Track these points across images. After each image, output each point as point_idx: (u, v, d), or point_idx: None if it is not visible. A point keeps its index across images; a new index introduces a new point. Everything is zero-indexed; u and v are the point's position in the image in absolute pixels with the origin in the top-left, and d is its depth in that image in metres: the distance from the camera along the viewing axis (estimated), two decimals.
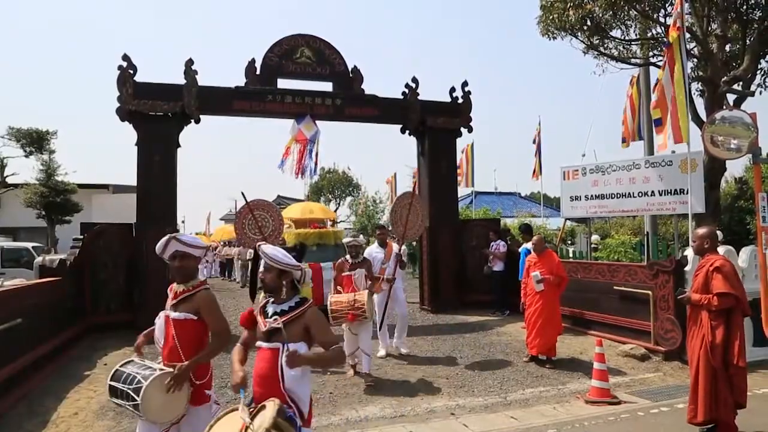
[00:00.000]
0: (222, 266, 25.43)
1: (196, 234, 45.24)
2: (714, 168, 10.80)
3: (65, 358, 7.52)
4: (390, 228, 9.62)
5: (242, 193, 8.32)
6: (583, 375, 6.92)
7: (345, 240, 7.42)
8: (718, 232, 12.89)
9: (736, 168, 20.74)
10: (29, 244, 17.18)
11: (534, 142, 15.46)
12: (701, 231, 5.13)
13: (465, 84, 11.94)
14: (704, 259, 4.96)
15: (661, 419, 5.53)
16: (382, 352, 7.91)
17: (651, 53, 13.54)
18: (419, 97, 11.51)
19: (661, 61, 12.38)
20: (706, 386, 4.68)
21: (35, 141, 24.26)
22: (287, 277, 3.19)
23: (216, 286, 20.17)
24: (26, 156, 24.53)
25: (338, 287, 6.94)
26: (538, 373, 7.12)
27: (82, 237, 9.55)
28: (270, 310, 3.17)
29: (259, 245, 3.36)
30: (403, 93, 11.53)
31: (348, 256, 7.12)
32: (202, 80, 10.14)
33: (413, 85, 11.50)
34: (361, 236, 9.34)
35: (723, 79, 11.36)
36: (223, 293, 17.16)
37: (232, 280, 22.28)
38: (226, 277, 24.37)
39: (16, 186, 24.53)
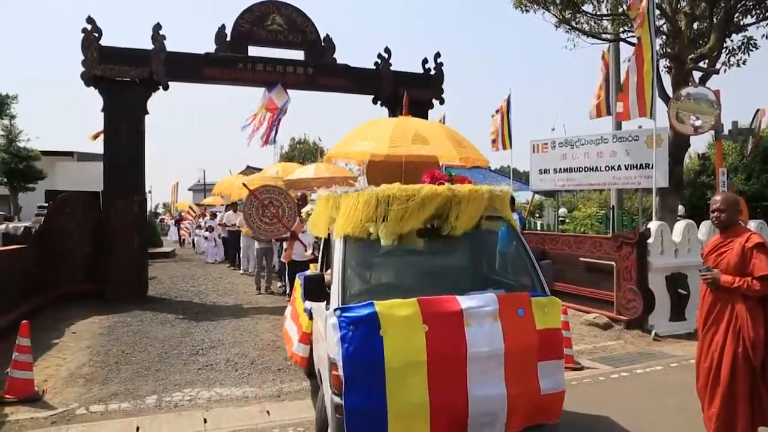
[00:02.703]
0: (225, 243, 16.77)
1: (163, 204, 43.60)
2: (678, 144, 11.03)
3: (31, 327, 7.41)
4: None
5: (244, 184, 8.07)
6: None
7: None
8: (680, 207, 13.40)
9: (699, 144, 21.28)
10: None
11: (497, 112, 15.24)
12: (728, 196, 4.01)
13: (438, 55, 11.88)
14: (730, 233, 3.90)
15: (620, 383, 5.78)
16: None
17: (621, 29, 13.64)
18: (392, 68, 11.45)
19: (631, 36, 12.54)
20: (746, 395, 3.71)
21: None
22: None
23: (223, 276, 13.86)
24: None
25: None
26: None
27: (47, 204, 9.36)
28: None
29: None
30: (376, 63, 11.44)
31: None
32: (171, 46, 9.93)
33: (386, 56, 11.40)
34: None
35: (690, 57, 11.56)
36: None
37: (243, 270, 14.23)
38: (229, 262, 16.35)
39: None
